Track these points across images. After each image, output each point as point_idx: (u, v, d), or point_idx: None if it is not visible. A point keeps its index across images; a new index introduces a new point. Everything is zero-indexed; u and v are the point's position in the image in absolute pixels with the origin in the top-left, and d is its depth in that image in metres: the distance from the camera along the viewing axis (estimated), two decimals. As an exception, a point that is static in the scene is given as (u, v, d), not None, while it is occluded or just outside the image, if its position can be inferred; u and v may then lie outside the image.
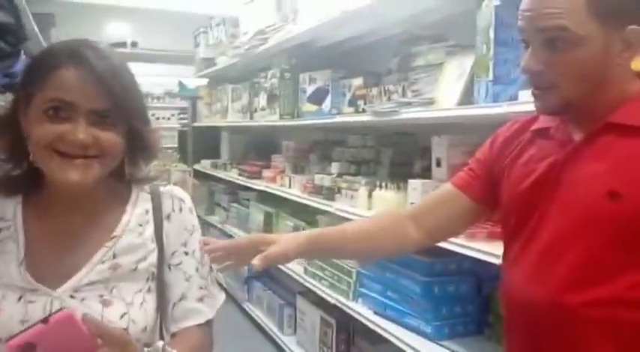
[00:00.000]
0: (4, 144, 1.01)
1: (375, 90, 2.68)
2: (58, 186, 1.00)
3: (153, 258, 1.05)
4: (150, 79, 9.53)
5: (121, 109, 0.97)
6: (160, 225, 1.06)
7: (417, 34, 2.57)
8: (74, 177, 0.95)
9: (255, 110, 3.99)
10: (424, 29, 2.56)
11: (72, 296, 0.97)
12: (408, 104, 2.26)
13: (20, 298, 0.96)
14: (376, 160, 2.96)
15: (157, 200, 1.08)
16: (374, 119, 2.48)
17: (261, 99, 3.81)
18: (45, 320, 0.80)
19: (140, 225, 1.05)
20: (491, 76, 1.79)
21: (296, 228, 3.43)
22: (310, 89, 3.21)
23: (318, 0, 2.88)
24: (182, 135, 7.51)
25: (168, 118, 10.79)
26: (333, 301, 2.77)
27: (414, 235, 1.33)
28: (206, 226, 5.58)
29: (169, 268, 1.07)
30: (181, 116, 9.00)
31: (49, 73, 0.95)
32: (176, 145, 9.04)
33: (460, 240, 1.89)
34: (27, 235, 1.01)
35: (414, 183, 2.20)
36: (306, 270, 3.15)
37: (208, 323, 1.10)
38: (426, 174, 2.39)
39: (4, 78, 1.64)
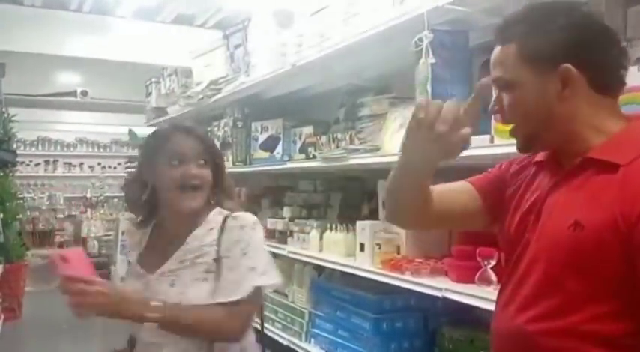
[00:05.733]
0: (135, 193, 1.61)
1: (324, 138, 2.84)
2: (171, 211, 1.59)
3: (210, 257, 1.53)
4: (98, 128, 9.51)
5: (210, 153, 1.60)
6: (220, 235, 1.54)
7: (362, 86, 2.77)
8: (190, 206, 1.55)
9: (208, 158, 4.07)
10: (369, 82, 2.76)
11: (157, 279, 1.55)
12: (356, 150, 2.42)
13: (137, 279, 1.59)
14: (326, 204, 3.09)
15: (225, 219, 1.57)
16: (324, 165, 2.62)
17: (214, 147, 3.91)
18: (77, 248, 1.45)
19: (203, 235, 1.56)
20: (429, 125, 1.97)
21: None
22: (262, 137, 3.34)
23: (269, 54, 3.05)
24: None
25: (115, 167, 10.67)
26: (286, 342, 2.83)
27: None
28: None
29: (220, 263, 1.51)
30: (128, 164, 8.94)
31: (167, 140, 1.56)
32: (123, 194, 8.94)
33: (406, 276, 2.02)
34: (149, 239, 1.66)
35: (362, 225, 2.33)
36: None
37: (234, 303, 1.47)
38: (373, 216, 2.54)
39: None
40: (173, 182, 1.52)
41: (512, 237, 1.19)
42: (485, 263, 1.82)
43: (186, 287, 1.51)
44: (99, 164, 10.78)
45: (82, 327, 5.61)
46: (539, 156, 1.22)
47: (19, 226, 6.05)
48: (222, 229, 1.54)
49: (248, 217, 1.58)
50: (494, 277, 1.79)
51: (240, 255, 1.51)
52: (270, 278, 1.54)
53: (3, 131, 5.49)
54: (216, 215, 1.58)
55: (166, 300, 1.47)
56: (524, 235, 1.15)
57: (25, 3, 5.65)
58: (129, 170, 8.42)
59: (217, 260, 1.51)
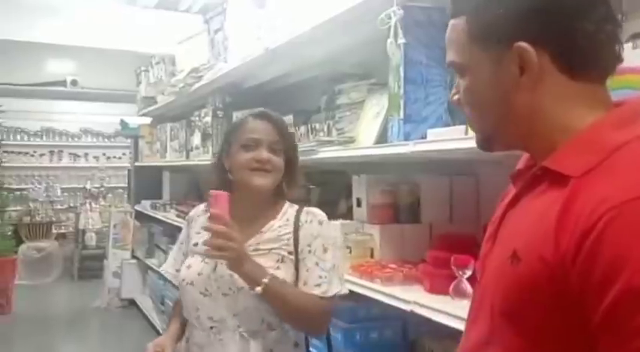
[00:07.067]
0: (217, 176, 1.66)
1: (303, 129, 2.62)
2: (244, 193, 1.59)
3: (287, 249, 1.57)
4: (97, 117, 9.37)
5: (284, 141, 1.61)
6: (297, 229, 1.58)
7: (345, 72, 2.54)
8: (260, 183, 1.56)
9: (191, 149, 3.89)
10: (352, 68, 2.53)
11: None
12: (329, 142, 2.20)
13: (202, 260, 1.58)
14: (305, 199, 2.87)
15: (298, 214, 1.61)
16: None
17: (196, 138, 3.72)
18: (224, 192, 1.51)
19: (280, 227, 1.60)
20: (402, 115, 1.74)
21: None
22: (242, 128, 3.14)
23: (245, 38, 2.84)
24: (129, 174, 7.31)
25: (119, 157, 10.54)
26: None
27: None
28: (145, 269, 5.38)
29: (300, 260, 1.56)
30: (132, 154, 8.77)
31: (242, 125, 1.62)
32: (126, 185, 8.78)
33: (376, 285, 1.80)
34: None
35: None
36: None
37: (326, 299, 1.53)
38: (350, 213, 2.32)
39: None
40: (245, 164, 1.56)
41: (479, 268, 0.97)
42: (461, 273, 1.59)
43: None
44: (103, 154, 10.66)
45: (73, 321, 5.52)
46: (521, 163, 0.97)
47: (9, 218, 5.93)
48: (297, 223, 1.58)
49: (322, 213, 1.64)
50: (470, 289, 1.56)
51: (322, 250, 1.56)
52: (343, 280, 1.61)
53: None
54: (288, 207, 1.64)
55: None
56: (485, 262, 0.93)
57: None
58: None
59: (293, 253, 1.56)
